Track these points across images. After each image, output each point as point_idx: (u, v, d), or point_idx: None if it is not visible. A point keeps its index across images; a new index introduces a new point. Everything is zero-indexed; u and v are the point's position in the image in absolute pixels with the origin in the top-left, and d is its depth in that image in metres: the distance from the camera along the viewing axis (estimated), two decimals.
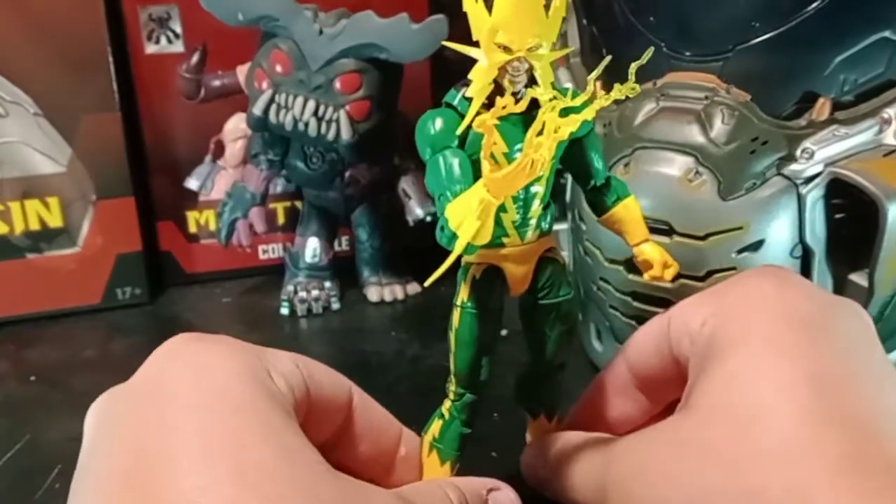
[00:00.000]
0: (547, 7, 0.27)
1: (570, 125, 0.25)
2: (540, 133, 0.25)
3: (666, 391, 0.31)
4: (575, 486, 0.29)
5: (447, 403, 0.33)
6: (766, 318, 0.25)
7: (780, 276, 0.28)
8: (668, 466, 0.24)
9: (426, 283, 0.26)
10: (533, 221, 0.30)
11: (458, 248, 0.25)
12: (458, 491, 0.29)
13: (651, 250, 0.31)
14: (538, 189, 0.29)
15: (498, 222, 0.29)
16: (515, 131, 0.28)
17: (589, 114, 0.26)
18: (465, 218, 0.25)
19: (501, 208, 0.28)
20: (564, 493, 0.29)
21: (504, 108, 0.25)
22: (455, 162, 0.27)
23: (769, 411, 0.23)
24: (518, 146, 0.28)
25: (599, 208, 0.32)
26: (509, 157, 0.28)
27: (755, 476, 0.22)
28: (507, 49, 0.27)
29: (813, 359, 0.24)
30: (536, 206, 0.30)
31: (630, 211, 0.32)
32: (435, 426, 0.33)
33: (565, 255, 0.45)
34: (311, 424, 0.27)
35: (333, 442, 0.30)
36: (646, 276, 0.32)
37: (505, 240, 0.30)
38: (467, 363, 0.31)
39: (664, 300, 0.37)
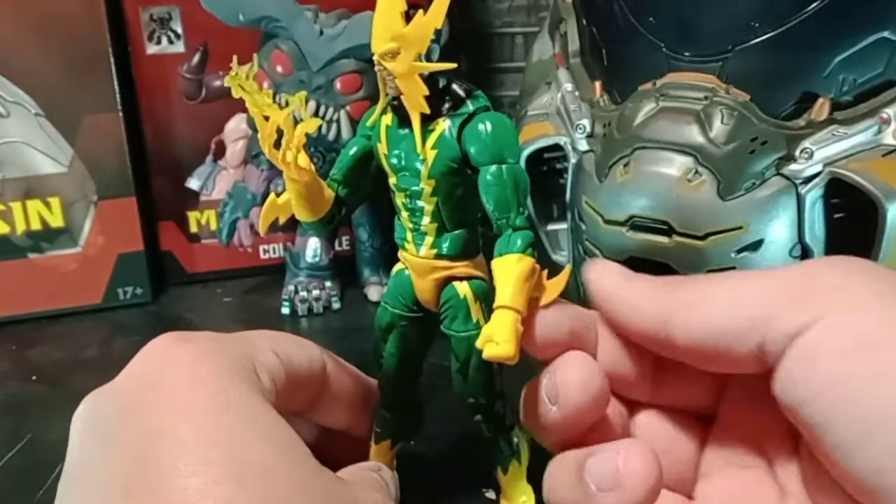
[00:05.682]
0: (410, 16, 0.26)
1: (304, 129, 0.29)
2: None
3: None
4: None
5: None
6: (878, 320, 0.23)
7: (864, 265, 0.25)
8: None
9: (261, 232, 0.32)
10: (427, 237, 0.30)
11: (266, 206, 0.31)
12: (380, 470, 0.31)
13: (492, 318, 0.26)
14: (423, 204, 0.29)
15: (400, 223, 0.31)
16: (397, 137, 0.29)
17: (298, 136, 0.29)
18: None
19: (399, 210, 0.30)
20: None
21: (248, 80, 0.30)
22: (347, 150, 0.31)
23: None
24: (396, 151, 0.29)
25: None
26: (388, 159, 0.29)
27: None
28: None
29: None
30: (426, 222, 0.30)
31: (502, 269, 0.26)
32: None
33: (565, 254, 0.45)
34: (293, 399, 0.29)
35: (311, 405, 0.31)
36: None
37: (405, 243, 0.31)
38: (374, 343, 0.34)
39: None
